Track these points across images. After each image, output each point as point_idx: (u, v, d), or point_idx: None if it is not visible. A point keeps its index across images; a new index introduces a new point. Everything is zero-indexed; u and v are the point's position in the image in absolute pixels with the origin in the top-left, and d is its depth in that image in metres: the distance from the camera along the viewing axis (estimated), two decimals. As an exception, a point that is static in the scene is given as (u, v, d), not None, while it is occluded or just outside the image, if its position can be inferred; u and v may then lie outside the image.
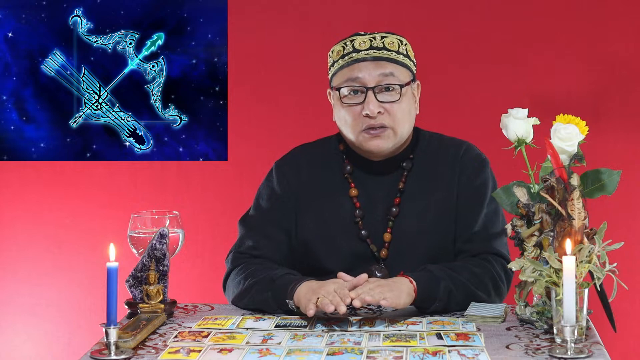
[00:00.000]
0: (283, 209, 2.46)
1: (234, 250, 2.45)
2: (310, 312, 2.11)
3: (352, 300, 2.11)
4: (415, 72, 2.44)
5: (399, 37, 2.42)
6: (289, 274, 2.30)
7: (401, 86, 2.37)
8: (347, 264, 2.38)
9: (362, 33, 2.41)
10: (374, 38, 2.39)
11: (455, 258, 2.40)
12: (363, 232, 2.41)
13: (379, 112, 2.35)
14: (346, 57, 2.39)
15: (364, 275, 2.20)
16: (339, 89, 2.38)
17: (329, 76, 2.44)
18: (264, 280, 2.29)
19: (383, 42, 2.39)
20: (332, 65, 2.43)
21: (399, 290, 2.17)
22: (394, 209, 2.41)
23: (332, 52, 2.44)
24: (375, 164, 2.44)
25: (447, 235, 2.40)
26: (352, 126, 2.38)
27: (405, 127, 2.39)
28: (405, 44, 2.43)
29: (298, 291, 2.19)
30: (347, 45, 2.40)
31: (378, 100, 2.35)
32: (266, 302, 2.26)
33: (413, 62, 2.44)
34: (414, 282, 2.21)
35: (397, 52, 2.39)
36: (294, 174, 2.48)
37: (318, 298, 2.12)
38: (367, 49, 2.38)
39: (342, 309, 2.09)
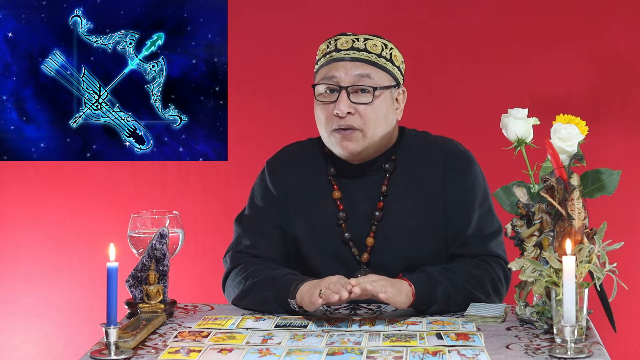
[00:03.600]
0: (277, 207, 2.46)
1: (232, 249, 2.45)
2: (318, 302, 2.11)
3: (352, 288, 2.12)
4: (400, 78, 2.42)
5: (384, 41, 2.40)
6: (291, 274, 2.30)
7: (375, 88, 2.35)
8: (331, 266, 2.37)
9: (348, 34, 2.41)
10: (357, 39, 2.38)
11: (449, 261, 2.37)
12: (346, 234, 2.40)
13: (349, 113, 2.33)
14: (327, 56, 2.39)
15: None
16: (315, 87, 2.39)
17: (314, 75, 2.45)
18: (265, 279, 2.29)
19: (365, 44, 2.37)
20: (317, 63, 2.44)
21: (399, 289, 2.17)
22: (377, 213, 2.39)
23: (319, 50, 2.45)
24: (357, 167, 2.42)
25: (435, 238, 2.38)
26: (325, 125, 2.38)
27: (377, 131, 2.36)
28: (391, 49, 2.40)
29: (301, 289, 2.19)
30: (330, 44, 2.41)
31: (350, 101, 2.34)
32: (267, 301, 2.26)
33: (397, 67, 2.41)
34: (412, 285, 2.21)
35: (379, 56, 2.37)
36: (283, 172, 2.48)
37: (321, 290, 2.12)
38: (347, 49, 2.37)
39: (345, 295, 2.09)
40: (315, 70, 2.43)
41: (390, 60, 2.39)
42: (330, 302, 2.12)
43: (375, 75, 2.36)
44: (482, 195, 2.39)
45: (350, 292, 2.11)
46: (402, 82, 2.43)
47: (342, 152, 2.37)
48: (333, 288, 2.11)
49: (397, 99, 2.41)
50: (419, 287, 2.21)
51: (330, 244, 2.40)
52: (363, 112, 2.34)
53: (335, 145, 2.37)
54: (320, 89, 2.38)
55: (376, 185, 2.42)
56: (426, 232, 2.38)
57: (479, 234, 2.37)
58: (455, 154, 2.42)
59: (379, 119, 2.35)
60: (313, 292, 2.14)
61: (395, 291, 2.16)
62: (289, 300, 2.21)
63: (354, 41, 2.38)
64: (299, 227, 2.43)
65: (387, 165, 2.42)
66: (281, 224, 2.45)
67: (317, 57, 2.44)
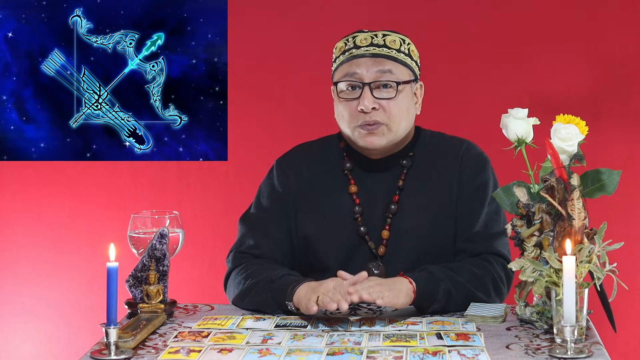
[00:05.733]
0: (284, 206, 2.46)
1: (235, 249, 2.46)
2: (314, 309, 2.11)
3: (350, 297, 2.12)
4: (418, 72, 2.45)
5: (402, 36, 2.43)
6: (288, 275, 2.30)
7: (397, 83, 2.37)
8: (345, 259, 2.38)
9: (365, 30, 2.43)
10: (376, 35, 2.41)
11: (455, 257, 2.40)
12: (362, 228, 2.41)
13: (374, 108, 2.36)
14: (346, 53, 2.41)
15: (364, 274, 2.21)
16: (337, 84, 2.40)
17: (332, 72, 2.46)
18: (263, 281, 2.29)
19: (384, 40, 2.40)
20: (335, 61, 2.45)
21: (397, 290, 2.17)
22: (393, 207, 2.41)
23: (336, 48, 2.46)
24: (375, 161, 2.45)
25: (446, 234, 2.40)
26: (348, 122, 2.39)
27: (401, 125, 2.40)
28: (408, 44, 2.43)
29: (297, 292, 2.19)
30: (348, 42, 2.42)
31: (374, 96, 2.36)
32: (266, 303, 2.26)
33: (415, 62, 2.44)
34: (414, 283, 2.21)
35: (398, 51, 2.40)
36: (294, 171, 2.49)
37: (318, 297, 2.12)
38: (367, 46, 2.39)
39: (344, 307, 2.09)
40: (333, 68, 2.45)
41: (409, 55, 2.42)
42: (328, 310, 2.12)
43: (397, 70, 2.38)
44: (492, 196, 2.40)
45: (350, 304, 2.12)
46: (419, 77, 2.45)
47: (366, 147, 2.39)
48: (332, 296, 2.11)
49: (415, 94, 2.44)
50: (420, 285, 2.21)
51: (345, 238, 2.41)
52: (387, 107, 2.36)
53: (359, 139, 2.39)
54: (342, 86, 2.40)
55: (393, 180, 2.44)
56: (439, 228, 2.39)
57: (485, 231, 2.38)
58: (472, 154, 2.46)
59: (402, 113, 2.38)
60: (310, 298, 2.14)
61: (393, 294, 2.16)
62: (286, 302, 2.21)
63: (372, 37, 2.40)
64: (311, 225, 2.44)
65: (404, 161, 2.44)
66: (287, 223, 2.45)
67: (334, 55, 2.46)
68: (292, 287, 2.21)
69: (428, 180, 2.43)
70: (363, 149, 2.43)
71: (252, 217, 2.48)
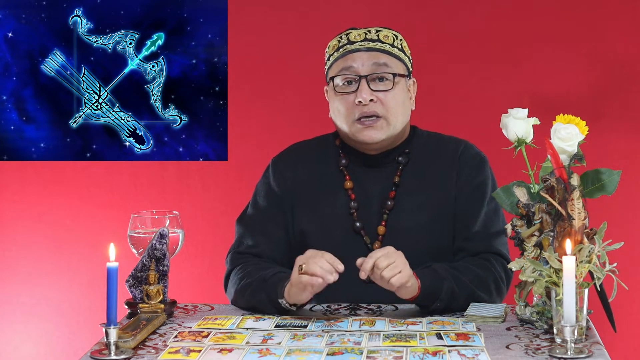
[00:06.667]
0: (280, 205, 2.47)
1: (233, 250, 2.46)
2: (304, 279, 2.12)
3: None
4: (410, 68, 2.46)
5: (394, 32, 2.45)
6: (280, 272, 2.30)
7: (394, 75, 2.38)
8: (341, 255, 2.38)
9: (358, 28, 2.45)
10: (369, 31, 2.43)
11: (454, 257, 2.40)
12: (357, 223, 2.42)
13: (372, 100, 2.37)
14: (341, 49, 2.42)
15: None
16: (333, 79, 2.41)
17: (325, 71, 2.46)
18: (257, 281, 2.29)
19: (378, 35, 2.42)
20: (328, 59, 2.46)
21: (409, 270, 2.17)
22: (389, 203, 2.42)
23: (329, 47, 2.47)
24: (371, 157, 2.45)
25: (444, 233, 2.40)
26: (346, 116, 2.40)
27: (398, 118, 2.40)
28: (401, 40, 2.45)
29: (287, 288, 2.19)
30: (342, 39, 2.44)
31: (371, 89, 2.36)
32: (262, 303, 2.26)
33: (408, 57, 2.46)
34: (419, 279, 2.21)
35: (392, 45, 2.41)
36: (290, 169, 2.49)
37: (301, 266, 2.13)
38: (361, 41, 2.41)
39: (340, 267, 2.12)
40: (327, 66, 2.46)
41: (402, 50, 2.44)
42: (315, 276, 2.12)
43: (392, 64, 2.40)
44: (491, 195, 2.40)
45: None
46: (411, 73, 2.47)
47: (365, 141, 2.40)
48: (319, 263, 2.11)
49: (409, 89, 2.45)
50: (425, 281, 2.21)
51: (341, 234, 2.42)
52: (384, 99, 2.37)
53: (357, 134, 2.39)
54: (338, 81, 2.40)
55: (389, 176, 2.44)
56: (436, 226, 2.40)
57: (484, 230, 2.39)
58: (470, 154, 2.46)
59: (398, 105, 2.40)
60: (297, 282, 2.14)
61: (407, 271, 2.15)
62: (279, 300, 2.21)
63: (366, 33, 2.42)
64: (308, 222, 2.44)
65: (400, 158, 2.45)
66: (284, 222, 2.46)
67: (327, 54, 2.46)
68: (282, 284, 2.22)
69: (425, 178, 2.44)
70: (360, 145, 2.43)
71: (250, 217, 2.48)
